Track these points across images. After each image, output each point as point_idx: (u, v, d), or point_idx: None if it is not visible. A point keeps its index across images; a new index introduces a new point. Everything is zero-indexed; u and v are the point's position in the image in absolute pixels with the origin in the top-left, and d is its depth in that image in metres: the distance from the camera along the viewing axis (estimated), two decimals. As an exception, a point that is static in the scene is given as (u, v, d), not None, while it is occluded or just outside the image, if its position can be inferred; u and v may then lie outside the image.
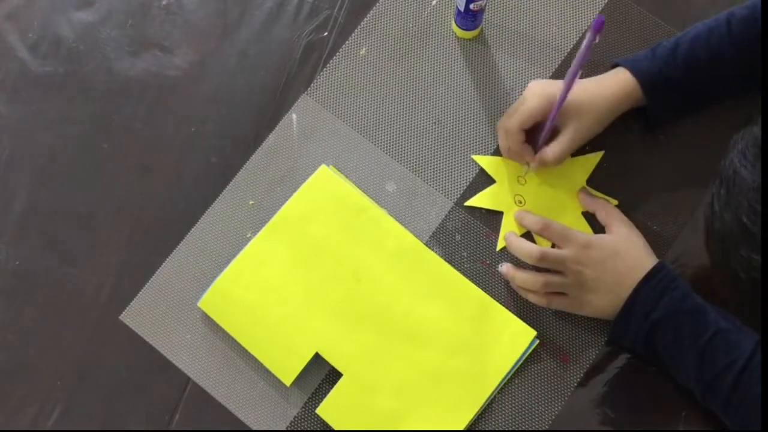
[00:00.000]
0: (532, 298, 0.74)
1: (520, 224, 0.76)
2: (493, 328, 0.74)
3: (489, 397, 0.73)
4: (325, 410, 0.72)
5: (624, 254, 0.72)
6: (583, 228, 0.77)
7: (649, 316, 0.69)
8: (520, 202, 0.78)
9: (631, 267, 0.71)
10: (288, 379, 0.73)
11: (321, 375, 0.74)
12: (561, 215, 0.77)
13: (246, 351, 0.74)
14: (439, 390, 0.73)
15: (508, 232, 0.76)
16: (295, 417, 0.73)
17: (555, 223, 0.74)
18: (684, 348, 0.68)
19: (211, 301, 0.75)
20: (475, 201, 0.78)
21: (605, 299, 0.71)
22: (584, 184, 0.78)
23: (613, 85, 0.74)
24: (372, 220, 0.77)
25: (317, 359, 0.74)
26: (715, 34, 0.73)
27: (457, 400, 0.72)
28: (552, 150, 0.74)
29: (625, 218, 0.75)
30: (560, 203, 0.78)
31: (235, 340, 0.74)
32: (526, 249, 0.73)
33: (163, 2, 0.85)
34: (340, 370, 0.73)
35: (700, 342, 0.67)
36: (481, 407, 0.72)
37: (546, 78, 0.81)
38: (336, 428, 0.72)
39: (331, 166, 0.79)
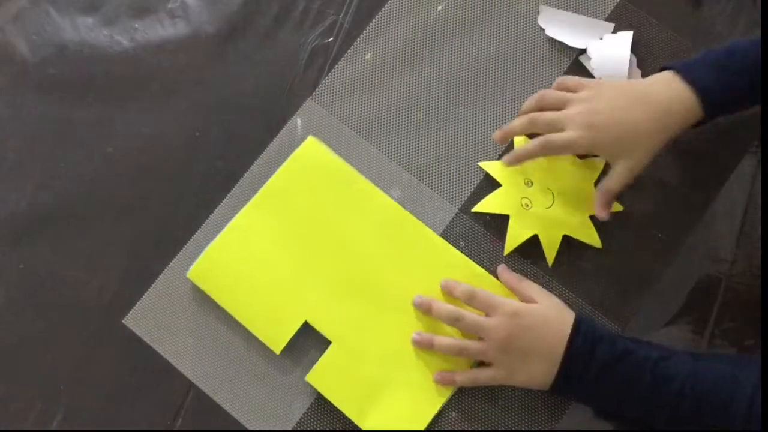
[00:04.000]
0: (458, 379, 0.72)
1: (450, 294, 0.74)
2: None
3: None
4: (315, 377, 0.73)
5: (552, 320, 0.70)
6: (590, 235, 0.77)
7: (587, 378, 0.67)
8: (527, 206, 0.78)
9: (559, 331, 0.69)
10: (277, 348, 0.74)
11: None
12: (568, 218, 0.77)
13: (248, 355, 0.74)
14: (426, 359, 0.73)
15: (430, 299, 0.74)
16: (299, 422, 0.73)
17: (482, 292, 0.72)
18: (631, 395, 0.67)
19: (200, 272, 0.76)
20: (481, 206, 0.78)
21: (538, 367, 0.69)
22: (592, 187, 0.78)
23: (677, 113, 0.69)
24: (360, 192, 0.78)
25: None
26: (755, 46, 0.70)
27: (443, 368, 0.73)
28: (604, 197, 0.73)
29: (544, 289, 0.74)
30: (567, 206, 0.78)
31: (237, 344, 0.75)
32: (443, 310, 0.72)
33: (169, 6, 0.85)
34: (328, 337, 0.74)
35: (642, 386, 0.66)
36: None
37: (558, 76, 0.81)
38: (325, 395, 0.72)
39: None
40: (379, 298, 0.75)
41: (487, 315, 0.71)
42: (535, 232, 0.76)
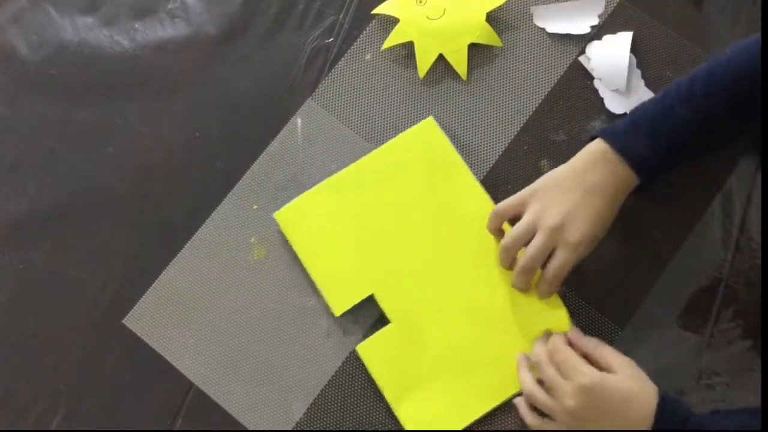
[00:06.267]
0: (528, 421, 0.69)
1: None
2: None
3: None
4: (365, 349, 0.73)
5: (634, 398, 0.64)
6: (491, 37, 0.81)
7: None
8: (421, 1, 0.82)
9: (641, 409, 0.64)
10: (338, 310, 0.74)
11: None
12: (466, 25, 0.81)
13: (248, 355, 0.75)
14: (478, 366, 0.73)
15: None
16: (298, 422, 0.73)
17: (566, 350, 0.68)
18: None
19: (288, 215, 0.76)
20: (380, 9, 0.83)
21: None
22: None
23: (611, 184, 0.68)
24: (462, 184, 0.77)
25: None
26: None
27: (493, 381, 0.72)
28: (549, 276, 0.70)
29: (622, 355, 0.68)
30: (461, 14, 0.81)
31: (237, 344, 0.75)
32: (536, 351, 0.71)
33: (169, 6, 0.85)
34: (389, 316, 0.74)
35: None
36: (513, 395, 0.72)
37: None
38: (369, 369, 0.72)
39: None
40: (452, 294, 0.74)
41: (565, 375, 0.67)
42: (440, 51, 0.80)
